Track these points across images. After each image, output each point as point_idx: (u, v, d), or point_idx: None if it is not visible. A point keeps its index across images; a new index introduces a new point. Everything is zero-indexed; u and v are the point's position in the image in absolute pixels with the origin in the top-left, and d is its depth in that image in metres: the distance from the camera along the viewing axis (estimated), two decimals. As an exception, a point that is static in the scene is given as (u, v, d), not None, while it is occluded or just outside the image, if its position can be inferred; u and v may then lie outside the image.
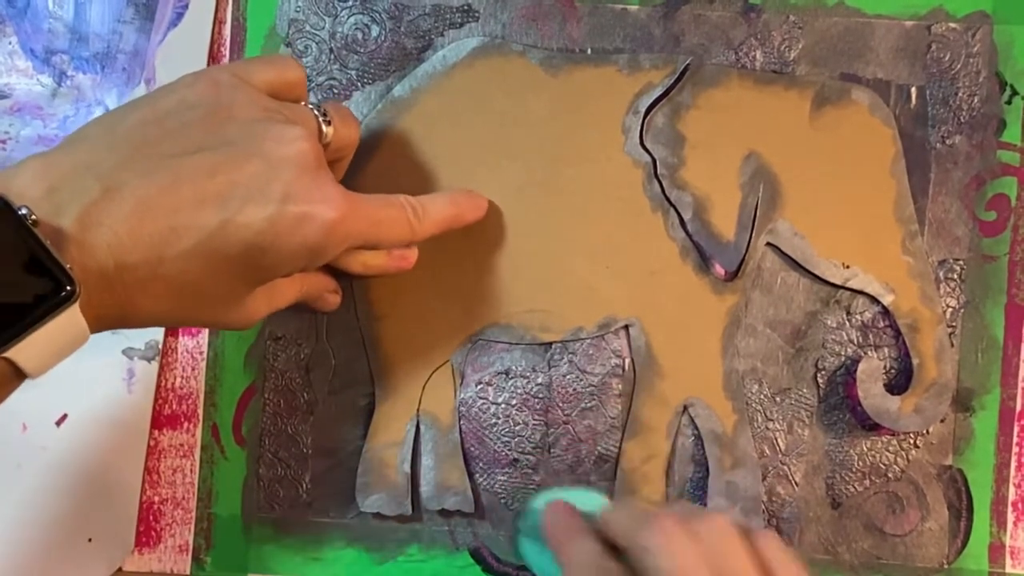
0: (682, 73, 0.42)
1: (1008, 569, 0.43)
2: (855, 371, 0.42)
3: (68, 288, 0.29)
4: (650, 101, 0.42)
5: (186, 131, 0.32)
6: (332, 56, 0.43)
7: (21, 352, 0.29)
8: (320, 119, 0.37)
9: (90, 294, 0.30)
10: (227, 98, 0.34)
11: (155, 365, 0.43)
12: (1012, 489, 0.43)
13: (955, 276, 0.43)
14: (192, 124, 0.33)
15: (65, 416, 0.43)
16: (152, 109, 0.33)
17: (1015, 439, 0.43)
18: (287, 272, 0.35)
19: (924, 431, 0.43)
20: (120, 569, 0.43)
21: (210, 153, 0.32)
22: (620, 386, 0.43)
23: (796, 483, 0.43)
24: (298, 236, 0.33)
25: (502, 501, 0.43)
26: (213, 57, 0.44)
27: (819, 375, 0.43)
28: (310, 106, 0.37)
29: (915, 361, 0.42)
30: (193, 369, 0.44)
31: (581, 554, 0.33)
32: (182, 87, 0.34)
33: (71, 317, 0.29)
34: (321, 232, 0.34)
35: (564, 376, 0.43)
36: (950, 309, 0.43)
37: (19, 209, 0.29)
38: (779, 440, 0.43)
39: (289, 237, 0.33)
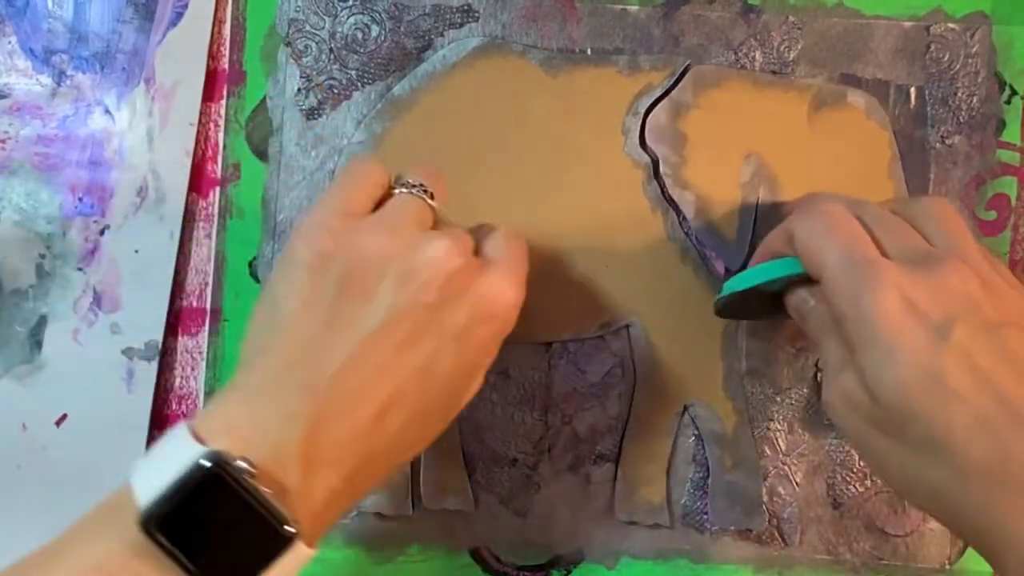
0: (681, 75, 0.42)
1: (1009, 569, 0.43)
2: (855, 371, 0.42)
3: (289, 532, 0.29)
4: (650, 102, 0.42)
5: (340, 308, 0.32)
6: (332, 56, 0.43)
7: None
8: (425, 198, 0.35)
9: (314, 518, 0.30)
10: (350, 249, 0.32)
11: (155, 365, 0.43)
12: (1012, 489, 0.43)
13: (955, 275, 0.43)
14: (339, 299, 0.32)
15: (65, 416, 0.43)
16: (298, 297, 0.32)
17: (1015, 439, 0.43)
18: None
19: (924, 431, 0.43)
20: (119, 570, 0.43)
21: (382, 322, 0.32)
22: (620, 386, 0.43)
23: (797, 483, 0.43)
24: (492, 341, 0.34)
25: (502, 501, 0.43)
26: (212, 56, 0.44)
27: (819, 375, 0.43)
28: (405, 190, 0.35)
29: (915, 361, 0.42)
30: (193, 369, 0.44)
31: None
32: (302, 256, 0.33)
33: (295, 551, 0.29)
34: (510, 321, 0.35)
35: (564, 376, 0.43)
36: (950, 309, 0.43)
37: (235, 461, 0.29)
38: (780, 440, 0.43)
39: (485, 348, 0.34)
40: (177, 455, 0.29)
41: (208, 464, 0.28)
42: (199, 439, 0.29)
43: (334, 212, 0.33)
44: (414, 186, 0.35)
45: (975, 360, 0.29)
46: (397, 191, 0.35)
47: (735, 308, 0.38)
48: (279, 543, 0.29)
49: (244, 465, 0.29)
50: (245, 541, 0.29)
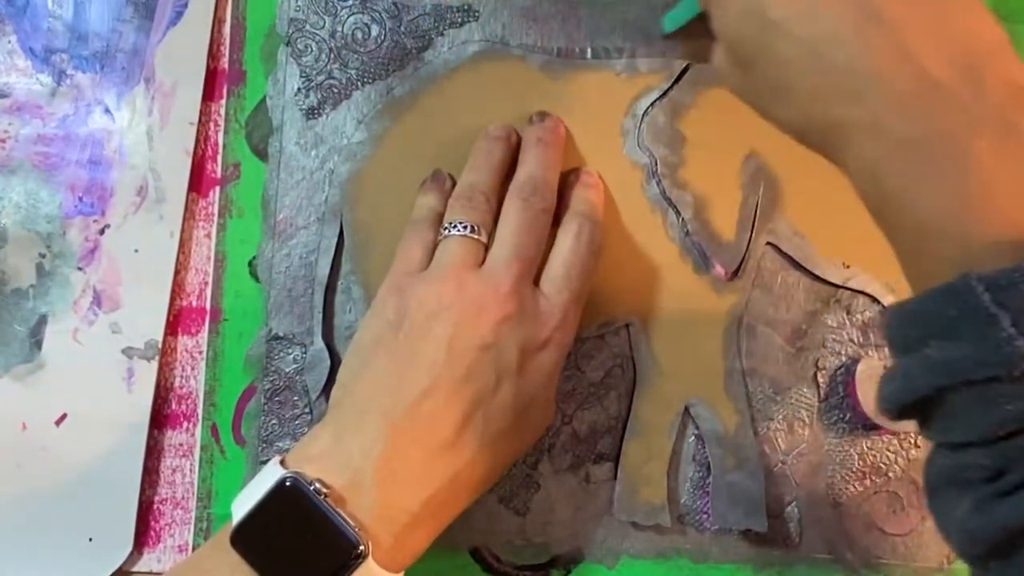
0: (679, 77, 0.42)
1: (1008, 569, 0.43)
2: (855, 371, 0.42)
3: (358, 547, 0.32)
4: (647, 104, 0.42)
5: (411, 349, 0.36)
6: (332, 55, 0.43)
7: None
8: (470, 236, 0.38)
9: (396, 540, 0.34)
10: (413, 301, 0.36)
11: (155, 365, 0.43)
12: (1012, 489, 0.43)
13: (955, 276, 0.43)
14: (409, 343, 0.36)
15: (65, 416, 0.43)
16: (377, 344, 0.36)
17: (1015, 439, 0.43)
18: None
19: (924, 431, 0.43)
20: (120, 569, 0.43)
21: (445, 361, 0.35)
22: (620, 386, 0.43)
23: (796, 483, 0.43)
24: (551, 367, 0.37)
25: (501, 500, 0.43)
26: (212, 56, 0.44)
27: (819, 374, 0.43)
28: (448, 232, 0.38)
29: (915, 361, 0.42)
30: (192, 369, 0.44)
31: None
32: (379, 312, 0.37)
33: (366, 568, 0.32)
34: (565, 344, 0.38)
35: (564, 376, 0.43)
36: (950, 309, 0.43)
37: (311, 484, 0.33)
38: (779, 440, 0.43)
39: (544, 376, 0.37)
40: (266, 480, 0.33)
41: (287, 484, 0.33)
42: (286, 467, 0.34)
43: (398, 272, 0.38)
44: (455, 226, 0.38)
45: None
46: (444, 235, 0.38)
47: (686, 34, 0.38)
48: (350, 558, 0.32)
49: (318, 485, 0.33)
50: (319, 555, 0.32)
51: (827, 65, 0.28)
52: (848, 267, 0.42)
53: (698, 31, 0.37)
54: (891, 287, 0.42)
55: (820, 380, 0.43)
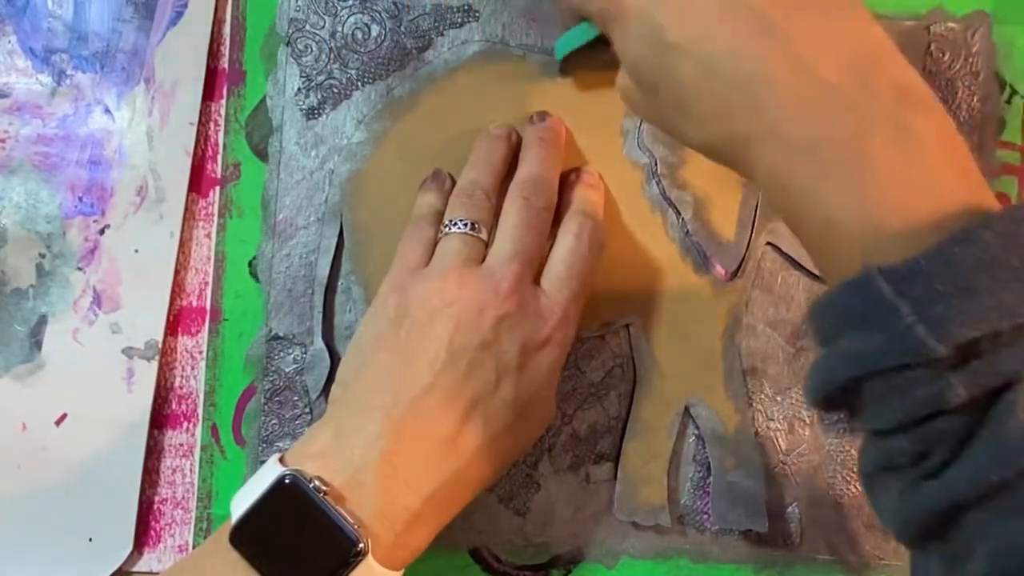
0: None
1: (1008, 569, 0.42)
2: (855, 370, 0.42)
3: (358, 545, 0.32)
4: (649, 101, 0.42)
5: (413, 346, 0.36)
6: (332, 55, 0.43)
7: None
8: (470, 233, 0.38)
9: (397, 539, 0.34)
10: (414, 299, 0.36)
11: (155, 365, 0.43)
12: (1012, 488, 0.43)
13: (955, 275, 0.43)
14: (411, 339, 0.36)
15: (65, 416, 0.43)
16: (377, 341, 0.36)
17: (1015, 438, 0.43)
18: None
19: (924, 431, 0.42)
20: (120, 569, 0.43)
21: (445, 360, 0.35)
22: (621, 386, 0.43)
23: (797, 483, 0.43)
24: (551, 366, 0.37)
25: (502, 500, 0.43)
26: (212, 56, 0.44)
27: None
28: (448, 230, 0.38)
29: (915, 360, 0.42)
30: (193, 369, 0.44)
31: None
32: (380, 310, 0.37)
33: (366, 566, 0.32)
34: (565, 343, 0.38)
35: (564, 376, 0.43)
36: (950, 308, 0.43)
37: (310, 482, 0.33)
38: (780, 440, 0.43)
39: (545, 374, 0.37)
40: (265, 478, 0.33)
41: (286, 481, 0.33)
42: (285, 465, 0.33)
43: (399, 270, 0.38)
44: (456, 224, 0.38)
45: None
46: (444, 233, 0.38)
47: (577, 64, 0.40)
48: (349, 556, 0.32)
49: (318, 483, 0.33)
50: (319, 553, 0.32)
51: (725, 81, 0.29)
52: (848, 267, 0.42)
53: (592, 56, 0.39)
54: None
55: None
